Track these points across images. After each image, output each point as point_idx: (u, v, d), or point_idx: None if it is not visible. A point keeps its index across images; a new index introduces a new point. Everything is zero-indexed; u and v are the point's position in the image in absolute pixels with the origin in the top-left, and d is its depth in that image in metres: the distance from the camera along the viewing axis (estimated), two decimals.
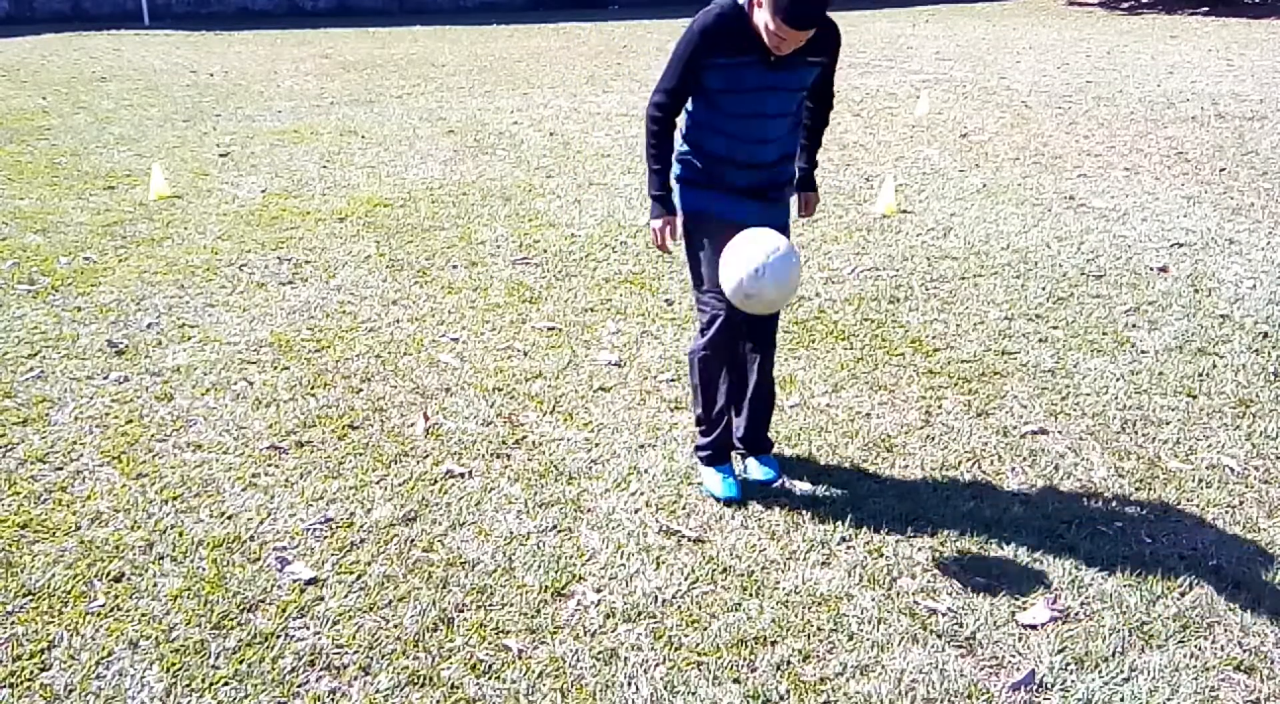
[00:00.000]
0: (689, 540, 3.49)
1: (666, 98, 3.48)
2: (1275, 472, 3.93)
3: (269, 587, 3.25)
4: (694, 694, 2.82)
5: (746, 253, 3.23)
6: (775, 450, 4.00)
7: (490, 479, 3.88)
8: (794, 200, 3.77)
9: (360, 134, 9.92)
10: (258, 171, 8.49)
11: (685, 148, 3.60)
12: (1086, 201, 7.43)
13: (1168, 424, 4.26)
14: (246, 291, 5.78)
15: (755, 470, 3.86)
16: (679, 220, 3.62)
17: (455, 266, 6.17)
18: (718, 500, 3.69)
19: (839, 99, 11.40)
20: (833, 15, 3.40)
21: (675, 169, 3.62)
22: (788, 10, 3.12)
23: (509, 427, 4.26)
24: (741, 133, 3.45)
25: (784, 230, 3.64)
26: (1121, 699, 2.81)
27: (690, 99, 3.52)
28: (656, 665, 2.92)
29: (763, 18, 3.21)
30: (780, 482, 3.82)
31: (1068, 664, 2.93)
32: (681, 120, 3.58)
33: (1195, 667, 2.92)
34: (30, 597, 3.21)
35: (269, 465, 3.97)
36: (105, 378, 4.70)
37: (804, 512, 3.63)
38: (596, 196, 7.66)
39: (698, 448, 3.82)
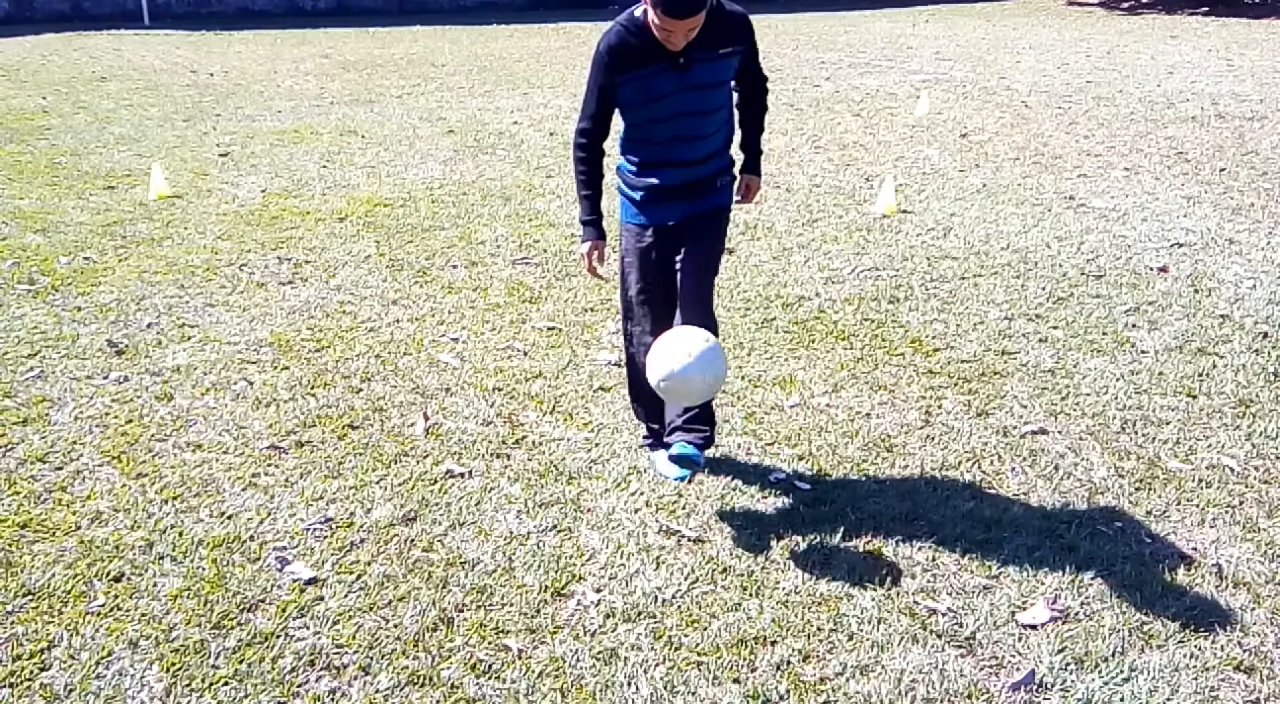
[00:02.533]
0: (689, 540, 3.49)
1: (590, 124, 3.60)
2: (1275, 472, 3.93)
3: (269, 587, 3.25)
4: (694, 694, 2.82)
5: (675, 347, 3.32)
6: (776, 450, 4.00)
7: (490, 479, 3.88)
8: (735, 186, 3.82)
9: (360, 134, 9.92)
10: (258, 171, 8.49)
11: (621, 162, 3.72)
12: (1086, 201, 7.43)
13: (1168, 424, 4.26)
14: (246, 291, 5.78)
15: (666, 466, 3.80)
16: (605, 245, 3.78)
17: (455, 266, 6.17)
18: (676, 480, 3.75)
19: (839, 98, 11.43)
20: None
21: (617, 180, 3.75)
22: (666, 3, 3.20)
23: (509, 427, 4.27)
24: (668, 136, 3.55)
25: (720, 216, 3.72)
26: (1121, 699, 2.81)
27: (619, 115, 3.61)
28: (656, 665, 2.92)
29: (651, 16, 3.29)
30: (703, 466, 3.75)
31: (1068, 664, 2.93)
32: (616, 133, 3.68)
33: (1195, 667, 2.91)
34: (30, 597, 3.21)
35: (269, 465, 3.97)
36: (105, 378, 4.70)
37: (804, 512, 3.63)
38: None
39: (644, 438, 3.95)
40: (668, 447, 3.71)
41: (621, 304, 3.83)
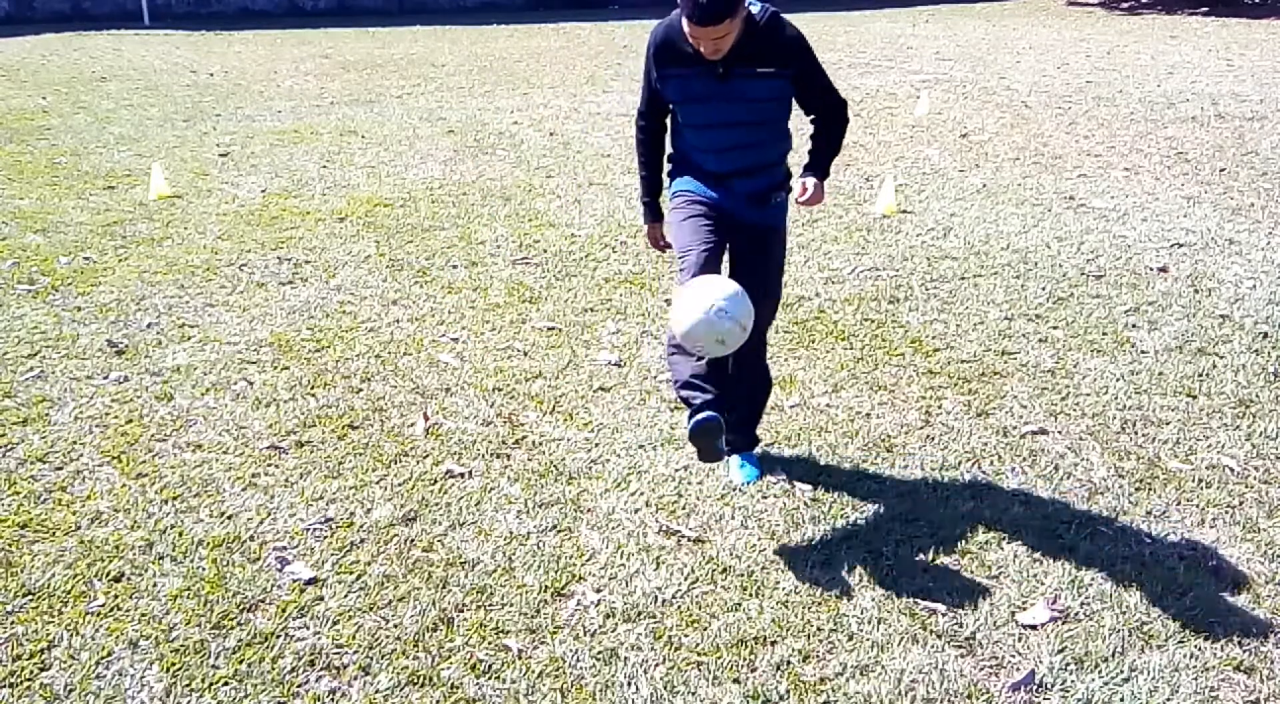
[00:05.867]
0: (689, 540, 3.49)
1: (645, 107, 3.71)
2: (1275, 472, 3.93)
3: (269, 587, 3.25)
4: (694, 694, 2.82)
5: (701, 294, 3.26)
6: (776, 451, 4.00)
7: (490, 479, 3.88)
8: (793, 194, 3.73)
9: (360, 134, 9.92)
10: (258, 171, 8.49)
11: (672, 151, 3.78)
12: (1086, 201, 7.43)
13: (1168, 424, 4.26)
14: (246, 291, 5.78)
15: (735, 473, 3.84)
16: (665, 224, 3.81)
17: (455, 266, 6.17)
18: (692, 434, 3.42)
19: None
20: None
21: (668, 167, 3.81)
22: (690, 9, 3.23)
23: (509, 427, 4.26)
24: (703, 142, 3.60)
25: (773, 238, 3.68)
26: (1121, 699, 2.81)
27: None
28: (656, 665, 2.92)
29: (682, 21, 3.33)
30: (762, 479, 3.82)
31: (1068, 664, 2.93)
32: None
33: (1195, 667, 2.91)
34: (30, 597, 3.21)
35: (269, 465, 3.97)
36: (105, 378, 4.70)
37: (804, 512, 3.63)
38: (596, 196, 7.66)
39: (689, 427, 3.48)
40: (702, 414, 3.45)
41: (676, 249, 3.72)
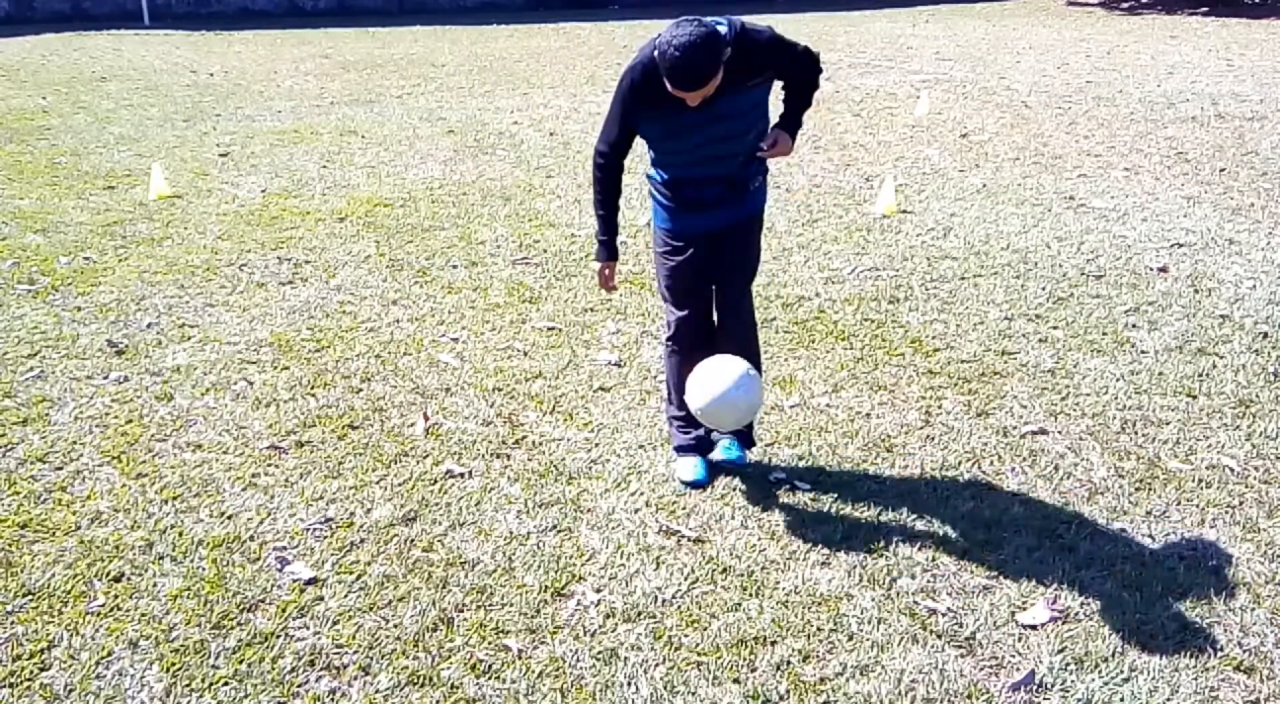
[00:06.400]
0: (689, 540, 3.49)
1: (608, 148, 3.53)
2: (1275, 472, 3.93)
3: (269, 587, 3.25)
4: (694, 694, 2.82)
5: (714, 377, 3.42)
6: (776, 450, 3.99)
7: (490, 479, 3.88)
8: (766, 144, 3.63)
9: (360, 134, 9.92)
10: (258, 171, 8.49)
11: (651, 173, 3.66)
12: (1086, 201, 7.42)
13: (1168, 424, 4.26)
14: (246, 291, 5.78)
15: (718, 450, 3.90)
16: (616, 265, 3.77)
17: (455, 266, 6.17)
18: (684, 484, 3.77)
19: (839, 99, 11.43)
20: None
21: (648, 187, 3.72)
22: (669, 74, 3.14)
23: (509, 427, 4.26)
24: (696, 160, 3.50)
25: (754, 225, 3.71)
26: (1121, 699, 2.81)
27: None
28: (656, 665, 2.92)
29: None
30: (745, 461, 3.89)
31: (1068, 664, 2.93)
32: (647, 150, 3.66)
33: (1195, 667, 2.91)
34: (30, 597, 3.21)
35: (269, 465, 3.97)
36: (105, 378, 4.70)
37: (804, 512, 3.63)
38: None
39: (676, 447, 3.91)
40: (696, 453, 3.85)
41: (659, 284, 3.82)
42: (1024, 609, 3.14)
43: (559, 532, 3.55)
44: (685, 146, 3.48)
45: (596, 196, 3.63)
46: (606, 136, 3.52)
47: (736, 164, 3.55)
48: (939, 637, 3.03)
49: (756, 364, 3.74)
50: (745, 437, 3.94)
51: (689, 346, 3.72)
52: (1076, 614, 3.13)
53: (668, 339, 3.82)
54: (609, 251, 3.70)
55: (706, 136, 3.43)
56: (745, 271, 3.75)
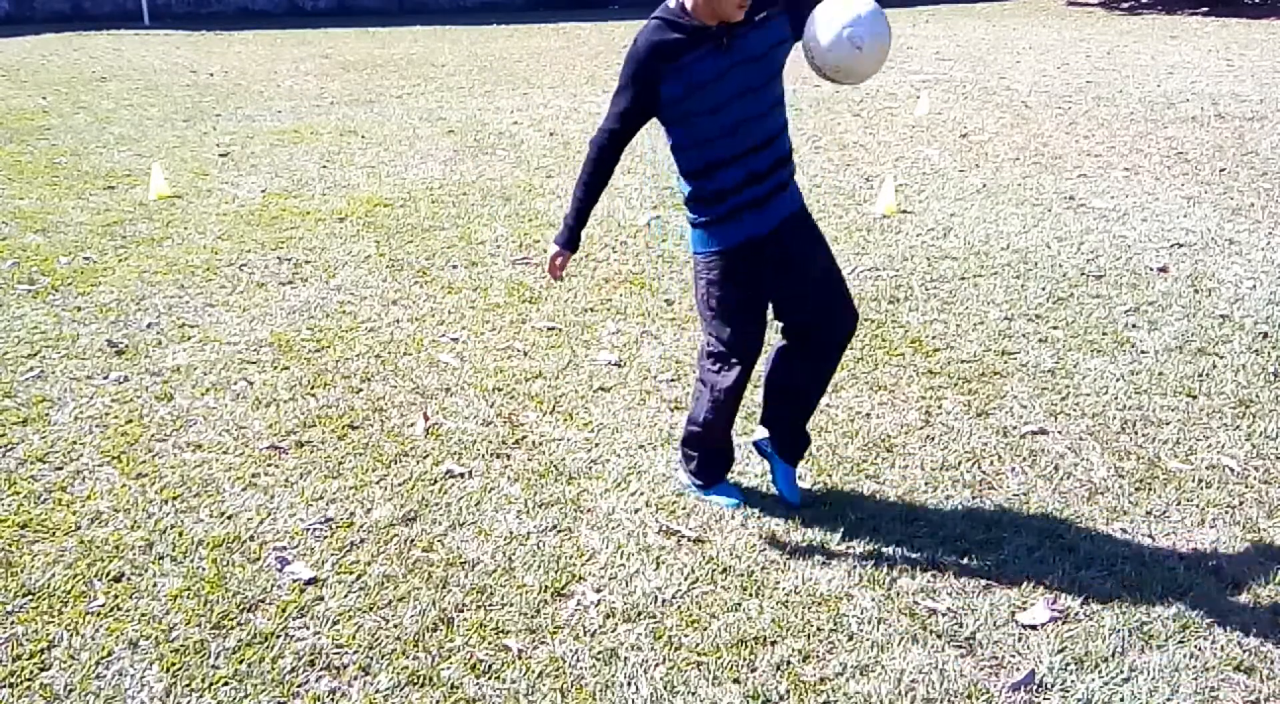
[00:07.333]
0: (689, 540, 3.49)
1: (617, 124, 3.37)
2: (1275, 472, 3.93)
3: (269, 587, 3.25)
4: (694, 694, 2.82)
5: (842, 9, 3.11)
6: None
7: (490, 479, 3.88)
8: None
9: (360, 134, 9.92)
10: (258, 171, 8.49)
11: (689, 189, 3.43)
12: (1086, 201, 7.42)
13: (1168, 424, 4.26)
14: (246, 291, 5.78)
15: (786, 486, 3.71)
16: (571, 257, 3.58)
17: (455, 266, 6.17)
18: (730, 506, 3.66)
19: (839, 98, 11.43)
20: None
21: (688, 213, 3.48)
22: None
23: (509, 427, 4.27)
24: (724, 126, 3.28)
25: (807, 220, 3.48)
26: (1121, 699, 2.81)
27: (666, 135, 3.40)
28: (656, 665, 2.92)
29: None
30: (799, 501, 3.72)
31: (1068, 664, 2.93)
32: (676, 173, 3.50)
33: (1195, 667, 2.92)
34: (30, 597, 3.21)
35: (269, 465, 3.97)
36: (105, 378, 4.70)
37: (804, 512, 3.63)
38: None
39: (713, 487, 3.73)
40: (722, 481, 3.74)
41: (704, 336, 3.54)
42: (1024, 609, 3.15)
43: (559, 532, 3.55)
44: (709, 103, 3.25)
45: (582, 178, 3.44)
46: (614, 112, 3.36)
47: (765, 134, 3.32)
48: (939, 637, 3.03)
49: (817, 401, 3.67)
50: (796, 453, 3.74)
51: (752, 362, 3.49)
52: (1076, 614, 3.13)
53: (720, 356, 3.48)
54: (571, 240, 3.50)
55: (730, 89, 3.24)
56: (828, 263, 3.47)
